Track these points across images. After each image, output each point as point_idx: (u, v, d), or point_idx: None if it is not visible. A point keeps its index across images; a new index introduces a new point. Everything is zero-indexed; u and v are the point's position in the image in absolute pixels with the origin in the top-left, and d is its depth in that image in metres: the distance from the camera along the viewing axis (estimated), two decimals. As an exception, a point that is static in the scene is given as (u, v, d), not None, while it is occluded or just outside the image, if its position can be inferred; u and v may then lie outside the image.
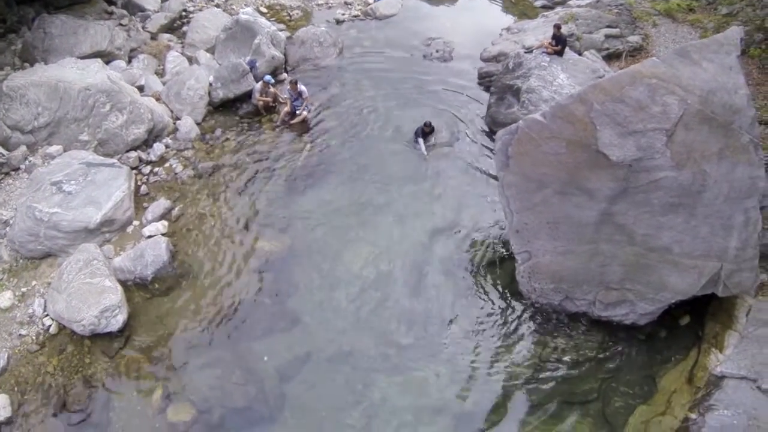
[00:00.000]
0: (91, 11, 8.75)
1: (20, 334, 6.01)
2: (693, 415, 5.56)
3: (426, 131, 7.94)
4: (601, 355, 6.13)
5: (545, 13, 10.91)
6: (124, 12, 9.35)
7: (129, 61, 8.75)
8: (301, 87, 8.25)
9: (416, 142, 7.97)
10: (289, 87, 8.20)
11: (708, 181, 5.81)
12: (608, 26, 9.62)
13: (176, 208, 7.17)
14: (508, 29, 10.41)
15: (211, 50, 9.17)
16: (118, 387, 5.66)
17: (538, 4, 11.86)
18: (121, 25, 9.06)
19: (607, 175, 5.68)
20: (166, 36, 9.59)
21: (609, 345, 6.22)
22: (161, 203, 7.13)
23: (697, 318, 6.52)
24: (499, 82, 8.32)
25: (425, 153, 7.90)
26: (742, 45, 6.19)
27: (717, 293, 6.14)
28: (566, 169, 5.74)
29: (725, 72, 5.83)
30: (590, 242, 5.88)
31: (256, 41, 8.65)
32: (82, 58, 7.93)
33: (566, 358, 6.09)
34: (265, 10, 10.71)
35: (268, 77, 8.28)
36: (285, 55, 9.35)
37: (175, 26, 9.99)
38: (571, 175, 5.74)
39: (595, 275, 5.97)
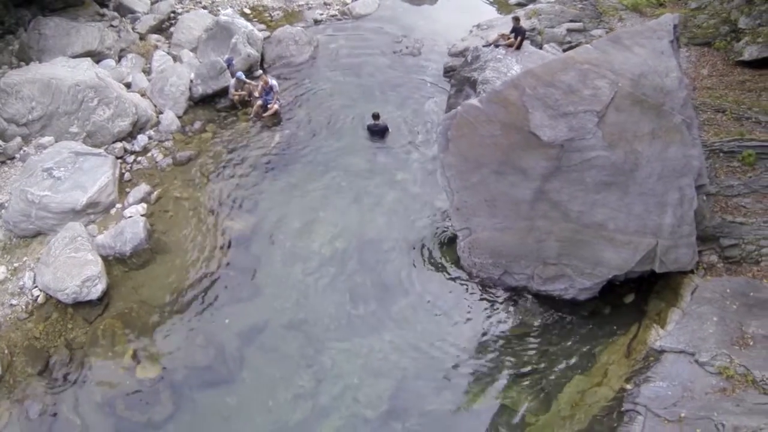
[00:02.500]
0: (84, 13, 9.49)
1: (11, 304, 6.71)
2: (629, 386, 5.85)
3: (375, 125, 8.39)
4: (543, 330, 6.47)
5: (517, 10, 11.29)
6: (115, 14, 10.10)
7: (118, 60, 9.48)
8: (272, 82, 8.85)
9: (368, 131, 8.49)
10: (260, 82, 8.82)
11: (641, 160, 6.12)
12: (571, 21, 9.96)
13: (155, 193, 7.85)
14: (478, 26, 10.83)
15: (195, 50, 9.87)
16: (94, 349, 6.29)
17: (512, 1, 12.24)
18: (112, 26, 9.79)
19: (539, 155, 6.06)
20: (155, 36, 10.31)
21: (552, 320, 6.55)
22: (142, 188, 7.82)
23: (643, 297, 6.79)
24: (459, 75, 8.76)
25: (377, 140, 8.41)
26: (677, 32, 6.44)
27: (655, 269, 6.42)
28: (501, 149, 6.14)
29: (657, 56, 6.15)
30: (526, 218, 6.26)
31: (233, 40, 9.30)
32: (74, 57, 8.69)
33: (509, 331, 6.45)
34: (248, 12, 11.39)
35: (239, 73, 8.91)
36: (262, 53, 9.97)
37: (164, 27, 10.71)
38: (506, 155, 6.14)
39: (532, 250, 6.33)
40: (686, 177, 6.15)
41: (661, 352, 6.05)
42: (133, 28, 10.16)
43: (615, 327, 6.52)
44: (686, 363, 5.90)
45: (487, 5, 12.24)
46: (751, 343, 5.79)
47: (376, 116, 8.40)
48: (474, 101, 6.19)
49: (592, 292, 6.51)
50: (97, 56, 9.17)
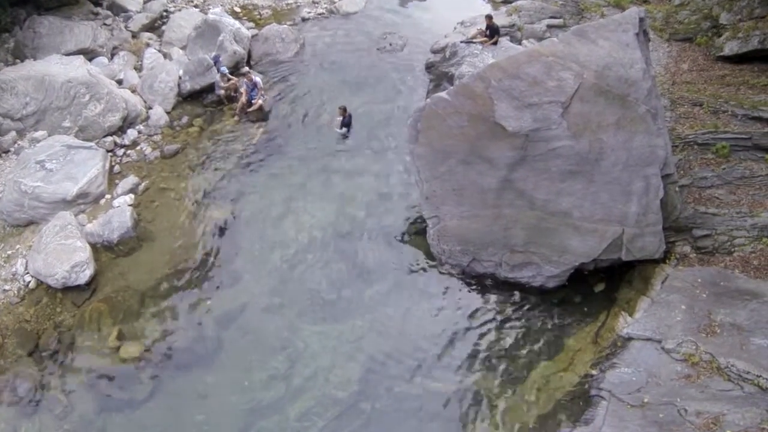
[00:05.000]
0: (78, 12, 9.84)
1: (4, 289, 7.06)
2: (594, 372, 6.00)
3: (343, 117, 8.59)
4: (512, 316, 6.65)
5: (502, 8, 11.45)
6: (109, 13, 10.43)
7: (111, 58, 9.81)
8: (256, 78, 9.13)
9: (338, 126, 8.68)
10: (245, 78, 9.12)
11: (606, 150, 6.28)
12: (551, 17, 10.09)
13: (142, 184, 8.18)
14: (461, 23, 11.01)
15: (185, 47, 10.18)
16: (81, 331, 6.62)
17: (499, -1, 12.40)
18: (105, 25, 10.13)
19: (505, 145, 6.25)
20: (147, 35, 10.63)
21: (521, 307, 6.71)
22: (130, 180, 8.16)
23: (614, 286, 6.90)
24: (437, 70, 8.99)
25: (341, 132, 8.63)
26: (644, 25, 6.57)
27: (621, 257, 6.56)
28: (468, 140, 6.34)
29: (621, 48, 6.31)
30: (493, 207, 6.45)
31: (220, 38, 9.60)
32: (68, 55, 9.03)
33: (478, 317, 6.64)
34: (239, 10, 11.69)
35: (223, 68, 9.21)
36: (249, 50, 10.26)
37: (156, 26, 11.04)
38: (472, 145, 6.34)
39: (499, 238, 6.52)
40: (652, 166, 6.29)
41: (628, 339, 6.18)
42: (125, 27, 10.50)
43: (584, 315, 6.66)
44: (652, 350, 6.02)
45: (475, 2, 12.42)
46: (718, 331, 5.90)
47: (343, 110, 8.56)
48: (442, 94, 6.40)
49: (560, 279, 6.67)
50: (90, 54, 9.52)
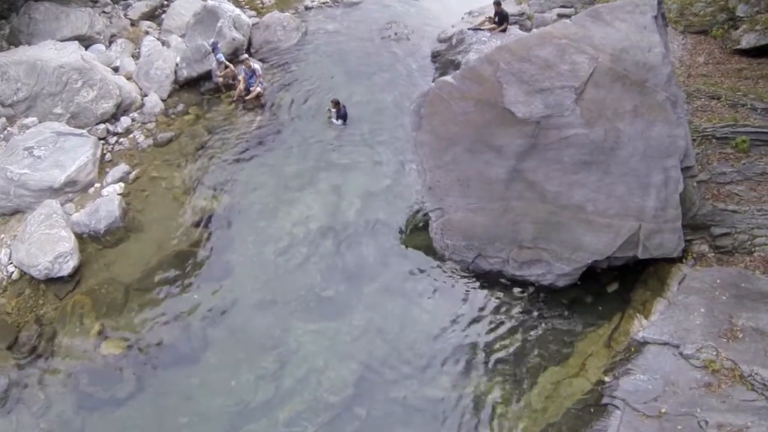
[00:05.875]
0: (78, 0, 9.65)
1: (-14, 280, 6.79)
2: (607, 378, 5.54)
3: (337, 113, 8.23)
4: (520, 317, 6.20)
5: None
6: (108, 0, 10.27)
7: (109, 45, 9.61)
8: (255, 65, 8.83)
9: (335, 118, 8.32)
10: (243, 65, 8.83)
11: (622, 139, 5.84)
12: (562, 6, 9.72)
13: (133, 173, 7.88)
14: (470, 12, 10.68)
15: (184, 35, 9.94)
16: (63, 324, 6.29)
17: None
18: (104, 12, 9.96)
19: (514, 132, 5.84)
20: (147, 23, 10.45)
21: (529, 308, 6.27)
22: (121, 168, 7.87)
23: (628, 286, 6.46)
24: (444, 58, 8.62)
25: (337, 123, 8.29)
26: (662, 8, 6.15)
27: (638, 255, 6.11)
28: (475, 127, 5.94)
29: (639, 31, 5.88)
30: (501, 199, 6.02)
31: (219, 24, 9.34)
32: (63, 41, 8.79)
33: (482, 317, 6.20)
34: (241, -1, 11.55)
35: (219, 55, 8.94)
36: (250, 38, 9.99)
37: (157, 14, 10.86)
38: (479, 132, 5.94)
39: (507, 232, 6.09)
40: (671, 158, 5.84)
41: (644, 343, 5.72)
42: (125, 15, 10.35)
43: (596, 316, 6.20)
44: (670, 355, 5.55)
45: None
46: (740, 336, 5.42)
47: (336, 103, 8.21)
48: (447, 78, 6.02)
49: (571, 278, 6.22)
50: (86, 41, 9.32)
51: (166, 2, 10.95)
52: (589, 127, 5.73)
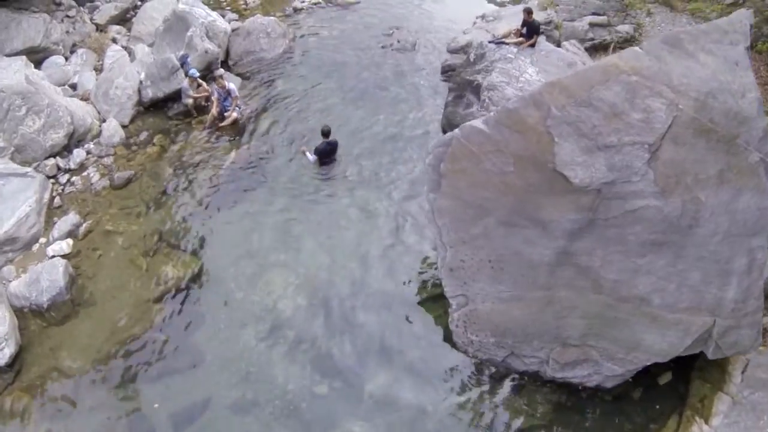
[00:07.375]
0: (39, 3, 7.63)
1: None
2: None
3: (328, 144, 6.49)
4: (553, 421, 4.91)
5: (529, 0, 9.51)
6: (72, 2, 8.29)
7: (69, 57, 7.75)
8: (230, 85, 7.07)
9: (319, 155, 6.51)
10: (215, 84, 7.06)
11: (703, 213, 4.45)
12: (594, 13, 8.21)
13: (84, 225, 6.19)
14: (483, 17, 9.05)
15: (153, 44, 8.07)
16: (3, 428, 4.67)
17: (526, -12, 10.41)
18: (67, 17, 8.01)
19: (567, 203, 4.35)
20: (116, 28, 8.60)
21: (566, 406, 5.00)
22: (70, 218, 6.16)
23: (682, 374, 5.28)
24: (459, 77, 6.96)
25: (311, 161, 6.56)
26: (751, 34, 4.77)
27: (707, 354, 4.88)
28: (514, 193, 4.41)
29: (730, 68, 4.44)
30: (544, 288, 4.57)
31: (189, 34, 7.46)
32: (12, 55, 6.92)
33: (510, 420, 4.87)
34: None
35: (193, 71, 7.16)
36: (227, 48, 8.22)
37: (128, 17, 8.98)
38: (520, 201, 4.41)
39: (549, 329, 4.68)
40: (758, 236, 4.50)
41: (710, 460, 4.56)
42: (91, 19, 8.41)
43: (647, 417, 4.99)
44: (740, 477, 4.43)
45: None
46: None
47: (326, 133, 6.43)
48: (478, 123, 4.42)
49: (622, 378, 4.92)
50: (42, 53, 7.48)
51: (140, 2, 8.95)
52: (664, 197, 4.30)
